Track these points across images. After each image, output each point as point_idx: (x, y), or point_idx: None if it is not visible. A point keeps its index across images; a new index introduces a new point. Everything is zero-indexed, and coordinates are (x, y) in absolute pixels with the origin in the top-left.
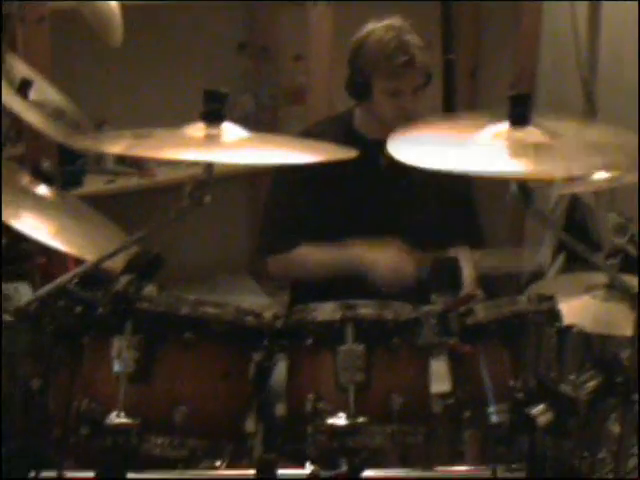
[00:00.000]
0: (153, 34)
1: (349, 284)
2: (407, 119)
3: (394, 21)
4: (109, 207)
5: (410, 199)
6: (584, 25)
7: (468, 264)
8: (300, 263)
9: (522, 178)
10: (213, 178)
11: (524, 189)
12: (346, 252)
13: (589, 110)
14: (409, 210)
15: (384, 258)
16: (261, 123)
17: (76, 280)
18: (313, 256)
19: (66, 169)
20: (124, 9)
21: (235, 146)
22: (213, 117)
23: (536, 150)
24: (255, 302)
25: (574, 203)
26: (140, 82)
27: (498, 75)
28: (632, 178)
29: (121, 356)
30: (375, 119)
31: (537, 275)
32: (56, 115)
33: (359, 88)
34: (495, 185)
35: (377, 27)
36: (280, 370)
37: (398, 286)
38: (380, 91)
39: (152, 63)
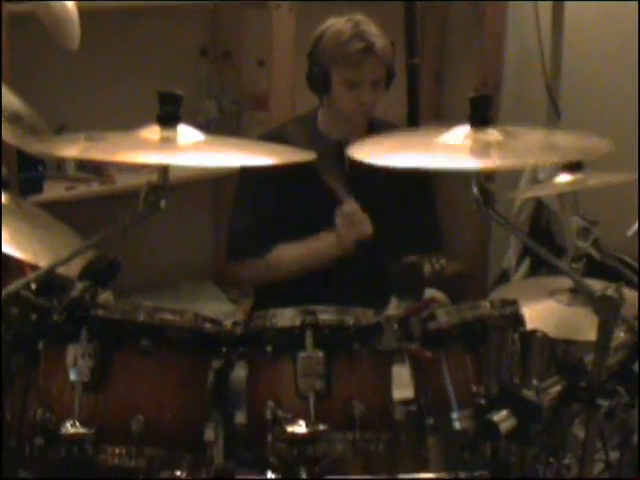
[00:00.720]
0: (114, 38)
1: (313, 289)
2: (366, 113)
3: (355, 16)
4: (70, 213)
5: (373, 200)
6: (548, 29)
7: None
8: (276, 266)
9: (478, 171)
10: (168, 182)
11: (485, 192)
12: (318, 238)
13: (553, 113)
14: (372, 211)
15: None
16: (224, 129)
17: (31, 287)
18: (289, 255)
19: (25, 175)
20: (82, 12)
21: (191, 149)
22: (168, 119)
23: (493, 148)
24: (219, 309)
25: (539, 208)
26: (101, 86)
27: (463, 79)
28: (595, 181)
29: (76, 364)
30: (337, 116)
31: (502, 279)
32: (13, 119)
33: (318, 81)
34: (460, 189)
35: (336, 20)
36: (240, 377)
37: (361, 239)
38: (339, 83)
39: (113, 67)
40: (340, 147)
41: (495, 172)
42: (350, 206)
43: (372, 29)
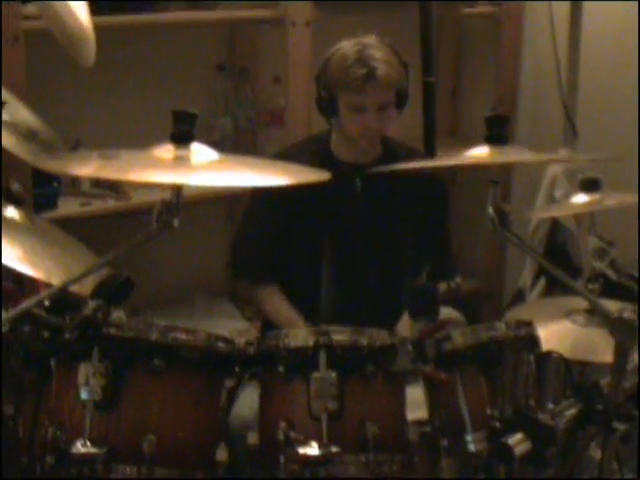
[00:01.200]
0: (130, 54)
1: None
2: (373, 137)
3: (366, 38)
4: (84, 230)
5: (385, 223)
6: (565, 49)
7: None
8: (261, 305)
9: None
10: (181, 201)
11: (500, 212)
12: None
13: (570, 131)
14: (384, 234)
15: None
16: (240, 146)
17: (44, 305)
18: (272, 307)
19: (40, 191)
20: (98, 28)
21: (204, 168)
22: (182, 138)
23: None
24: (233, 326)
25: (555, 227)
26: (117, 103)
27: (479, 97)
28: (612, 202)
29: (88, 383)
30: (345, 138)
31: (518, 298)
32: (29, 136)
33: (326, 105)
34: (476, 209)
35: (345, 43)
36: (252, 397)
37: None
38: (345, 107)
39: (129, 84)
40: (352, 169)
41: (511, 188)
42: None
43: (377, 54)
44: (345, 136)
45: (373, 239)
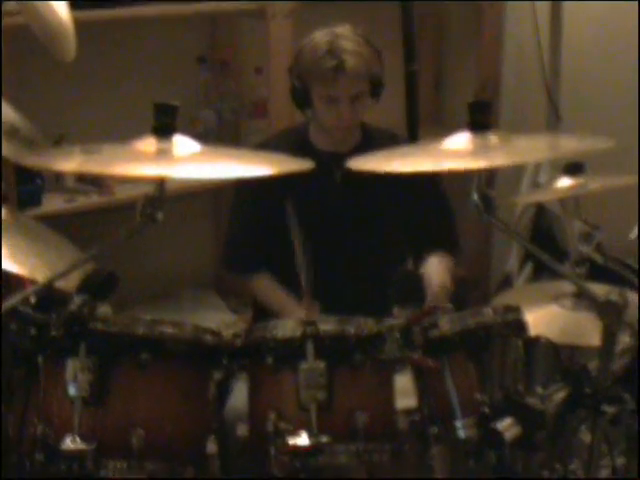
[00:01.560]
0: (111, 48)
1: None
2: (347, 127)
3: (339, 28)
4: (69, 226)
5: (366, 211)
6: (546, 34)
7: (443, 272)
8: (255, 294)
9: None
10: (165, 194)
11: (485, 198)
12: (291, 310)
13: (553, 117)
14: (365, 222)
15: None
16: (223, 137)
17: (29, 301)
18: (266, 295)
19: (24, 188)
20: (78, 23)
21: (187, 160)
22: (164, 131)
23: (493, 150)
24: (220, 318)
25: (540, 212)
26: (99, 97)
27: (462, 84)
28: (596, 185)
29: (75, 379)
30: (322, 128)
31: (505, 284)
32: (10, 133)
33: (300, 95)
34: (461, 195)
35: (318, 34)
36: (241, 389)
37: None
38: (317, 98)
39: (111, 78)
40: (331, 159)
41: (495, 174)
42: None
43: (347, 45)
44: (321, 126)
45: (355, 227)
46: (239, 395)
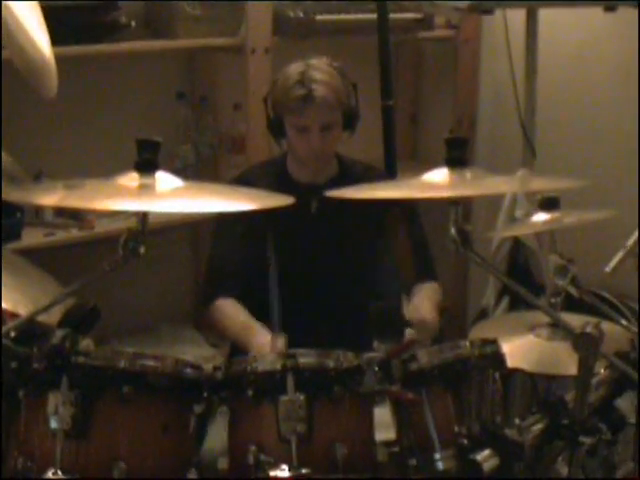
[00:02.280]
0: (90, 84)
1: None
2: (319, 157)
3: (315, 60)
4: (49, 260)
5: (341, 243)
6: (522, 69)
7: (427, 300)
8: (217, 317)
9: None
10: (147, 228)
11: (462, 232)
12: (249, 340)
13: (528, 153)
14: (341, 254)
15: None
16: (202, 173)
17: (10, 335)
18: (231, 319)
19: (3, 222)
20: (59, 58)
21: (169, 195)
22: (146, 166)
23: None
24: (198, 353)
25: (516, 246)
26: (78, 133)
27: (438, 120)
28: (572, 219)
29: (57, 412)
30: (297, 159)
31: (482, 317)
32: None
33: (274, 125)
34: (437, 229)
35: (293, 65)
36: (221, 422)
37: None
38: (290, 127)
39: (90, 113)
40: (307, 190)
41: (472, 210)
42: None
43: (318, 75)
44: (296, 157)
45: (331, 259)
46: (219, 428)
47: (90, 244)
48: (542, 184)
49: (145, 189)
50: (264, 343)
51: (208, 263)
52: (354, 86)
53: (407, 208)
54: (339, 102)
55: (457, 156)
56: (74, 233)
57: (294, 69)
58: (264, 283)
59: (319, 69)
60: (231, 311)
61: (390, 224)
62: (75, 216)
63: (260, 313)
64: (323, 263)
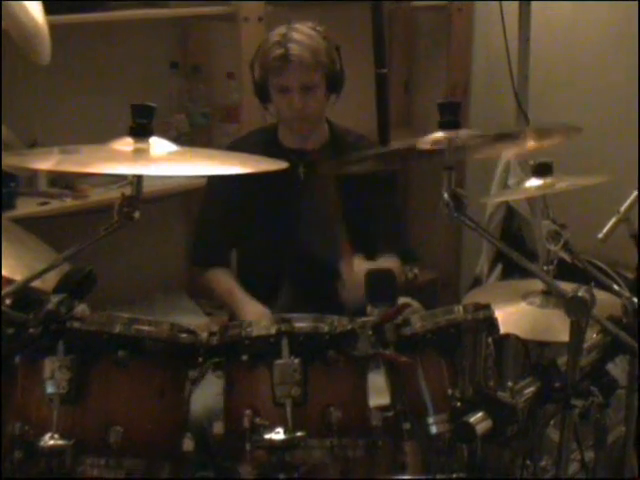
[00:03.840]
0: (85, 52)
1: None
2: (301, 118)
3: (299, 23)
4: (43, 229)
5: (328, 209)
6: (515, 38)
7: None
8: (211, 287)
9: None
10: (141, 193)
11: (455, 197)
12: (242, 308)
13: (521, 119)
14: (328, 220)
15: None
16: (195, 142)
17: (6, 301)
18: (221, 288)
19: None
20: (53, 27)
21: (164, 159)
22: (141, 131)
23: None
24: (193, 322)
25: (510, 215)
26: (72, 101)
27: (432, 87)
28: (564, 185)
29: (54, 377)
30: (284, 124)
31: (475, 286)
32: None
33: (259, 89)
34: (431, 196)
35: (277, 28)
36: (214, 389)
37: None
38: (273, 89)
39: (84, 82)
40: (296, 156)
41: (465, 175)
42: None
43: (297, 36)
44: (283, 120)
45: (318, 224)
46: (212, 394)
47: (84, 213)
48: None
49: (140, 153)
50: (252, 314)
51: (198, 224)
52: (337, 48)
53: (390, 177)
54: (318, 62)
55: (451, 119)
56: (68, 202)
57: (276, 32)
58: (253, 249)
59: (299, 31)
60: (222, 281)
61: (374, 191)
62: (69, 185)
63: (250, 279)
64: (313, 228)
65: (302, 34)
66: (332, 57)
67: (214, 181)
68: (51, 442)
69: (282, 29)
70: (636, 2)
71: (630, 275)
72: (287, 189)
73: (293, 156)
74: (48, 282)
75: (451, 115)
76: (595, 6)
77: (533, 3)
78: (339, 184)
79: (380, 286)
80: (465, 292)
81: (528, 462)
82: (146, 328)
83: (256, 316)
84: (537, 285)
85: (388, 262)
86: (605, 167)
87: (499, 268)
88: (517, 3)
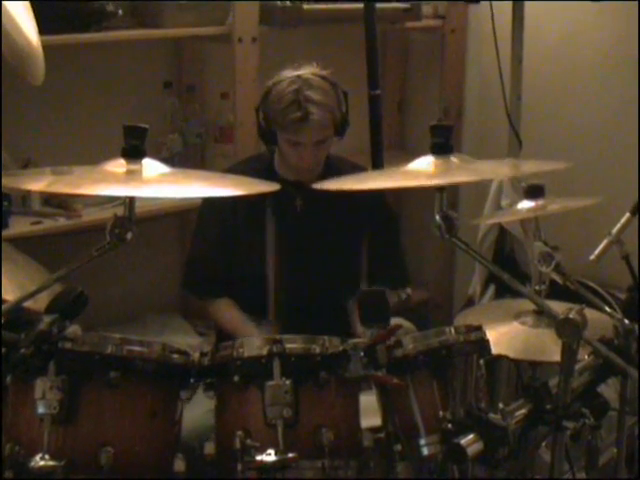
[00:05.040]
0: (78, 73)
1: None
2: (310, 169)
3: (306, 72)
4: (36, 249)
5: (325, 241)
6: (508, 59)
7: None
8: (214, 317)
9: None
10: (134, 216)
11: (447, 219)
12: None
13: (514, 141)
14: (325, 251)
15: None
16: (189, 162)
17: None
18: (224, 319)
19: None
20: (47, 47)
21: (156, 181)
22: (133, 153)
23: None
24: (186, 342)
25: (503, 236)
26: (66, 121)
27: (425, 109)
28: (556, 207)
29: (45, 397)
30: (285, 163)
31: (468, 306)
32: None
33: (266, 135)
34: (424, 218)
35: (285, 77)
36: (208, 408)
37: None
38: (283, 140)
39: (78, 102)
40: (293, 187)
41: (458, 197)
42: None
43: (314, 95)
44: (287, 163)
45: (315, 256)
46: (203, 414)
47: (78, 233)
48: (527, 168)
49: (132, 175)
50: None
51: (190, 252)
52: (345, 95)
53: (386, 212)
54: (334, 120)
55: (443, 143)
56: (61, 222)
57: (288, 85)
58: (251, 280)
59: (313, 86)
60: (227, 313)
61: (368, 224)
62: (62, 205)
63: (251, 308)
64: (308, 260)
65: (317, 91)
66: (341, 106)
67: (207, 211)
68: (42, 462)
69: (294, 82)
70: (635, 22)
71: (622, 296)
72: (284, 221)
73: (290, 188)
74: (40, 302)
75: (443, 138)
76: (588, 26)
77: (526, 23)
78: (336, 215)
79: (373, 307)
80: (458, 313)
81: None
82: (137, 349)
83: None
84: (529, 305)
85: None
86: (597, 189)
87: (492, 289)
88: (510, 25)
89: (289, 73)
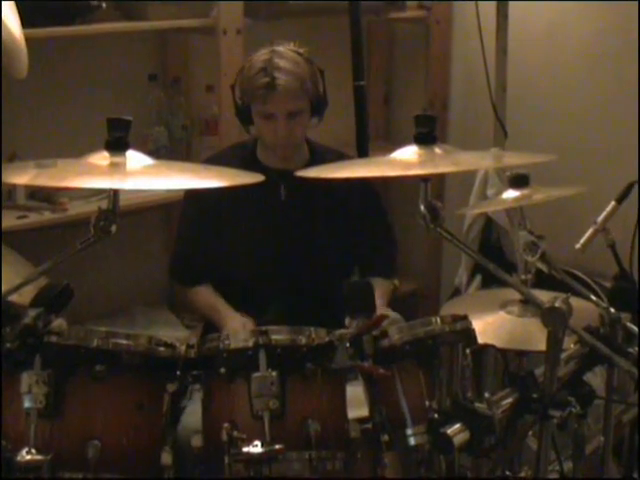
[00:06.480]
0: (63, 65)
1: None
2: (286, 144)
3: (281, 46)
4: (22, 243)
5: (310, 228)
6: (493, 50)
7: (382, 298)
8: (195, 304)
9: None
10: (119, 209)
11: (432, 209)
12: (226, 323)
13: (500, 132)
14: (309, 239)
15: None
16: (174, 155)
17: None
18: (205, 305)
19: None
20: (31, 40)
21: (140, 173)
22: (117, 145)
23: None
24: (173, 335)
25: (488, 226)
26: (51, 114)
27: (411, 100)
28: (541, 196)
29: (31, 391)
30: (266, 146)
31: (455, 297)
32: None
33: (241, 112)
34: (409, 209)
35: (259, 52)
36: (195, 400)
37: None
38: (256, 114)
39: (63, 95)
40: (277, 176)
41: (444, 188)
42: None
43: (282, 63)
44: (265, 144)
45: (300, 243)
46: (193, 406)
47: (63, 227)
48: (511, 160)
49: (116, 167)
50: (236, 328)
51: (176, 241)
52: (321, 72)
53: (372, 199)
54: (304, 90)
55: (427, 133)
56: (47, 215)
57: (259, 56)
58: (235, 269)
59: (284, 57)
60: (204, 297)
61: (356, 212)
62: (48, 199)
63: (236, 297)
64: (292, 248)
65: (287, 60)
66: (316, 82)
67: (190, 200)
68: (28, 457)
69: (265, 53)
70: (618, 13)
71: (608, 284)
72: (268, 209)
73: (274, 176)
74: (25, 296)
75: (427, 128)
76: (574, 17)
77: (510, 14)
78: (321, 204)
79: (358, 297)
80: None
81: (507, 472)
82: (124, 342)
83: (241, 328)
84: (515, 294)
85: (382, 286)
86: (582, 178)
87: (478, 278)
88: (494, 16)
89: (265, 49)
